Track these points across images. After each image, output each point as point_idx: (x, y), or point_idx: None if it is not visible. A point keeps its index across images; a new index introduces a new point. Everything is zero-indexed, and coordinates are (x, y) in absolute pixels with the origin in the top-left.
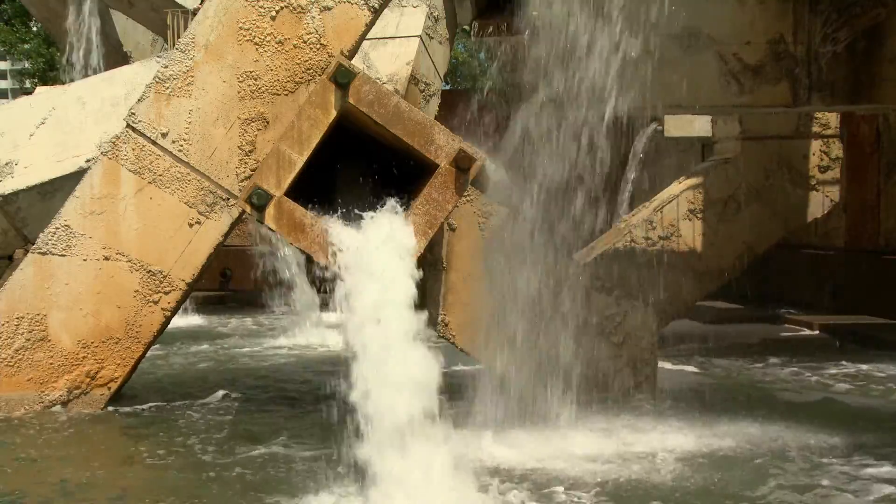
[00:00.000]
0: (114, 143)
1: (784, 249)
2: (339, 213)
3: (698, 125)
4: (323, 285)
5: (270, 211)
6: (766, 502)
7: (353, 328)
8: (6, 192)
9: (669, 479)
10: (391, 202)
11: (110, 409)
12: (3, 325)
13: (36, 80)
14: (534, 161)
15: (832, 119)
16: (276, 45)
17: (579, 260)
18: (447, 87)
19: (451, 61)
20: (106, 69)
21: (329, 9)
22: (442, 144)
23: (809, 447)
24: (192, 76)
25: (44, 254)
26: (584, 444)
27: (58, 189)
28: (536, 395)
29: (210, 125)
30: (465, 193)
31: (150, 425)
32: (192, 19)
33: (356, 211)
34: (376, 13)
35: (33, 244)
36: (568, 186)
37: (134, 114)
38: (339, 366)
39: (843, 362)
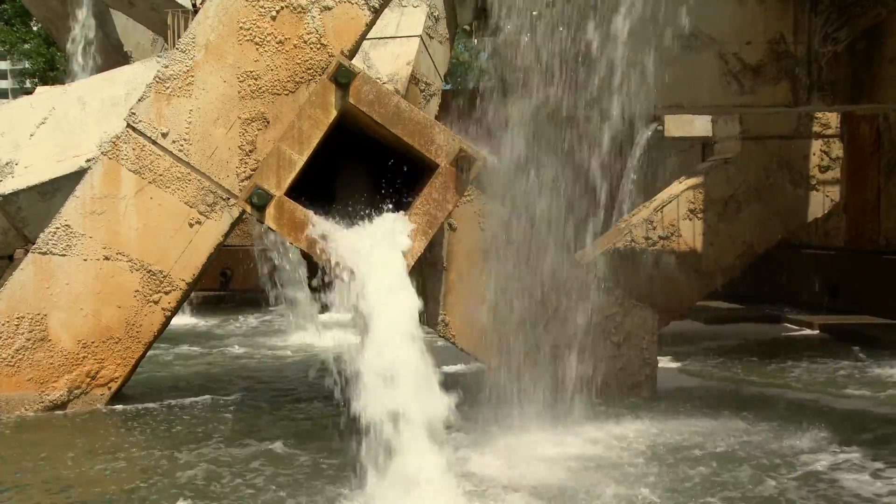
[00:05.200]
0: (114, 142)
1: (784, 249)
2: (339, 212)
3: (698, 125)
4: (323, 285)
5: (271, 211)
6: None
7: (356, 328)
8: (6, 192)
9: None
10: (391, 215)
11: (110, 408)
12: (3, 324)
13: (36, 80)
14: (535, 161)
15: (832, 119)
16: (277, 45)
17: (580, 260)
18: (447, 87)
19: (452, 61)
20: (106, 69)
21: (329, 9)
22: (442, 144)
23: (771, 450)
24: (193, 76)
25: (44, 254)
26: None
27: (58, 189)
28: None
29: (210, 125)
30: (466, 193)
31: (149, 425)
32: (192, 19)
33: (356, 211)
34: (377, 13)
35: (33, 244)
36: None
37: (134, 114)
38: (338, 366)
39: (843, 363)
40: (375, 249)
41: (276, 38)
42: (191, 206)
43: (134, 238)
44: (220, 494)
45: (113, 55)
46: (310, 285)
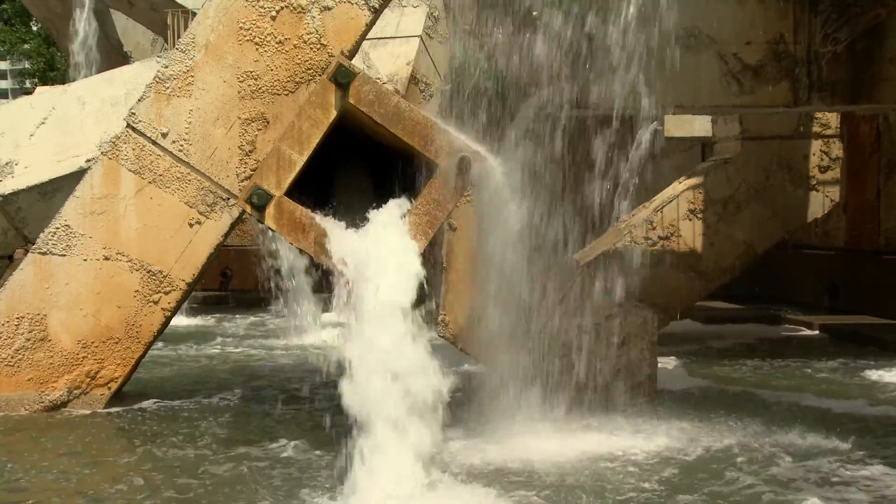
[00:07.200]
0: (114, 143)
1: (784, 249)
2: (338, 212)
3: (698, 125)
4: (322, 285)
5: (270, 211)
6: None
7: (354, 328)
8: (6, 192)
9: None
10: (394, 203)
11: (110, 409)
12: (3, 325)
13: (36, 80)
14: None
15: (832, 119)
16: (277, 45)
17: (579, 260)
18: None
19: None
20: (106, 69)
21: (329, 9)
22: (442, 144)
23: (769, 452)
24: (193, 76)
25: (44, 254)
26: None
27: (58, 189)
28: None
29: (210, 125)
30: (466, 193)
31: (149, 425)
32: (192, 19)
33: (356, 211)
34: (377, 13)
35: (33, 244)
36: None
37: (134, 114)
38: (338, 366)
39: (842, 363)
40: (375, 250)
41: (275, 38)
42: (191, 207)
43: (134, 238)
44: (217, 495)
45: (113, 55)
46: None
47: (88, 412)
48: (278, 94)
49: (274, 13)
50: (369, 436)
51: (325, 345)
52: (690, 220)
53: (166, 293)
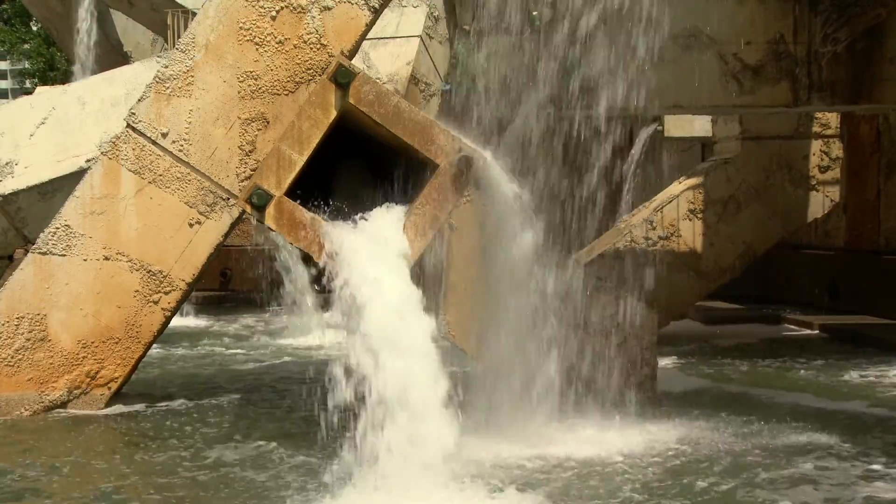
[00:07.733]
0: (114, 142)
1: (784, 249)
2: (339, 212)
3: (698, 125)
4: (323, 285)
5: (270, 211)
6: None
7: (354, 328)
8: (6, 192)
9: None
10: (391, 207)
11: (110, 409)
12: (3, 325)
13: (36, 80)
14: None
15: (832, 119)
16: (277, 45)
17: (579, 260)
18: (447, 87)
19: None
20: (106, 69)
21: (329, 9)
22: (442, 144)
23: (767, 453)
24: (193, 76)
25: (44, 254)
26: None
27: (58, 189)
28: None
29: (210, 125)
30: (465, 193)
31: (149, 425)
32: (192, 19)
33: (357, 211)
34: (377, 13)
35: (33, 244)
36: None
37: (134, 114)
38: (336, 366)
39: (842, 364)
40: (376, 250)
41: (275, 38)
42: (191, 207)
43: (134, 238)
44: (215, 495)
45: (113, 55)
46: (312, 285)
47: (87, 412)
48: (278, 94)
49: (274, 13)
50: (366, 432)
51: (325, 345)
52: (690, 220)
53: (166, 293)
